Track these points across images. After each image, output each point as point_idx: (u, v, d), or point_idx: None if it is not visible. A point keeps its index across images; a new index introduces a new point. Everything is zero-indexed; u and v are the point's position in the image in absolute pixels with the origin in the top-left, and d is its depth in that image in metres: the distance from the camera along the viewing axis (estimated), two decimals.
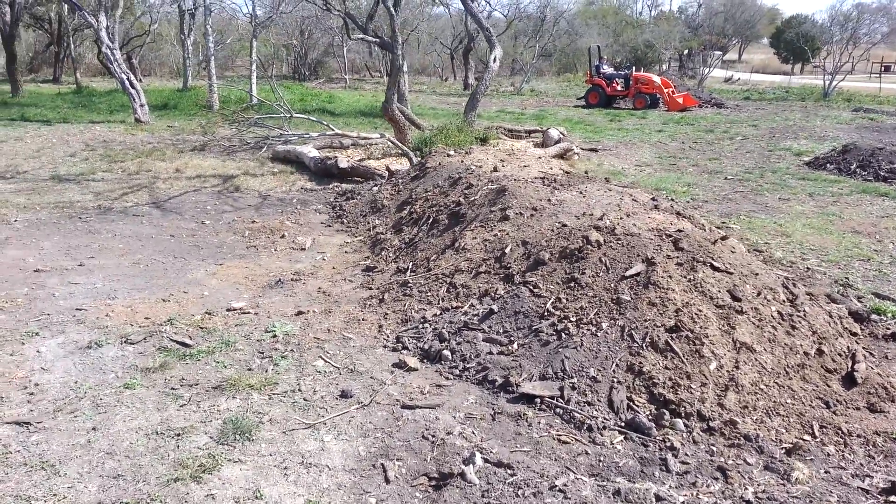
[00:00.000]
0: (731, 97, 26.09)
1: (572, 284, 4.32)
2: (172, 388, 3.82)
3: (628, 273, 4.22)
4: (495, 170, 7.00)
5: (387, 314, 4.85)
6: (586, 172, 7.18)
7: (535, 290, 4.39)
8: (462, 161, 7.60)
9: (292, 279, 5.89)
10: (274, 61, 34.14)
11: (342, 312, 5.02)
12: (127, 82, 15.29)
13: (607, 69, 24.20)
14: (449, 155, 8.01)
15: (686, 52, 45.87)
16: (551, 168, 7.35)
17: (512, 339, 4.13)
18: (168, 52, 33.48)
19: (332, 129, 12.67)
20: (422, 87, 30.45)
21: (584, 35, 40.02)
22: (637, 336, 3.82)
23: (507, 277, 4.69)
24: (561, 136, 12.33)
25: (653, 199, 5.83)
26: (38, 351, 4.24)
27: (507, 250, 4.93)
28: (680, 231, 4.59)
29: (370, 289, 5.53)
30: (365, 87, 31.77)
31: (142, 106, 15.27)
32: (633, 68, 24.58)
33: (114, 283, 5.66)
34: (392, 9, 11.88)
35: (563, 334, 3.99)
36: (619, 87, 23.00)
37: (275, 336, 4.58)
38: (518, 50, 35.76)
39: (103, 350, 4.29)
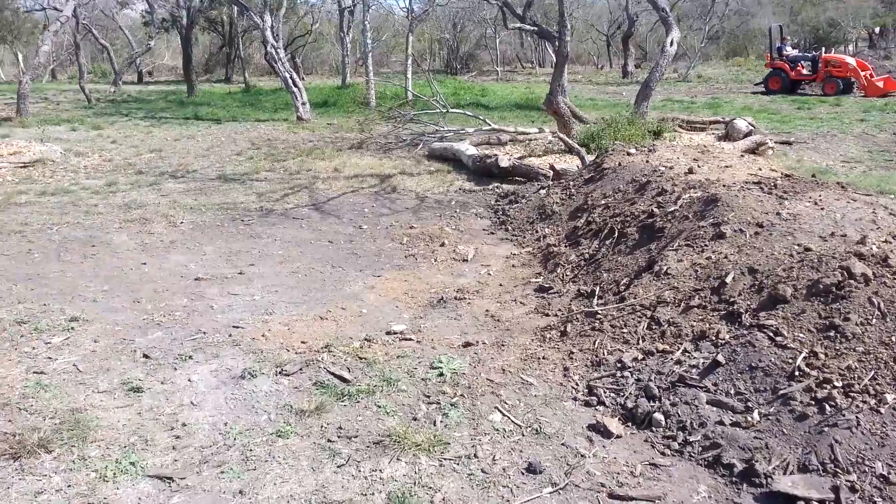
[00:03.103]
0: None
1: (832, 334, 3.25)
2: (329, 441, 3.25)
3: None
4: (690, 171, 5.92)
5: (572, 353, 4.02)
6: (814, 175, 5.89)
7: (777, 339, 3.37)
8: (647, 161, 6.56)
9: (455, 297, 5.23)
10: (428, 56, 34.33)
11: (517, 346, 4.26)
12: (290, 81, 15.59)
13: (791, 51, 21.59)
14: (629, 153, 6.99)
15: (877, 29, 40.46)
16: (760, 169, 6.12)
17: (749, 404, 3.15)
18: (328, 50, 34.70)
19: (489, 124, 11.99)
20: (576, 77, 29.08)
21: (757, 15, 36.58)
22: None
23: (732, 316, 3.69)
24: (750, 127, 10.79)
25: None
26: (189, 380, 3.87)
27: (727, 279, 3.91)
28: None
29: (547, 315, 4.73)
30: (517, 78, 30.98)
31: (303, 104, 15.50)
32: (823, 49, 21.69)
33: (271, 296, 5.31)
34: None
35: (827, 406, 2.95)
36: (804, 71, 20.44)
37: (441, 374, 3.92)
38: (683, 33, 33.24)
39: (257, 382, 3.84)
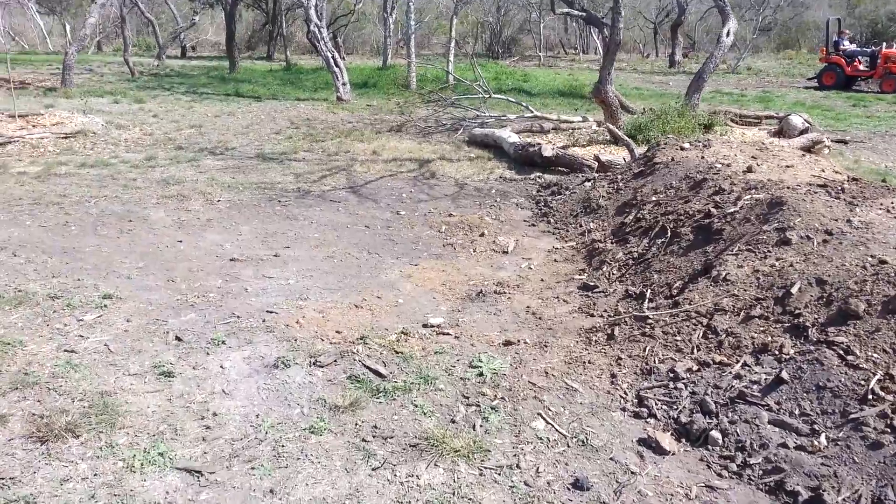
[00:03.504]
0: None
1: None
2: (364, 441, 3.10)
3: None
4: (749, 170, 5.61)
5: (620, 359, 3.81)
6: (884, 180, 5.53)
7: (848, 358, 3.11)
8: (701, 156, 6.25)
9: (495, 291, 5.05)
10: (471, 39, 33.93)
11: (561, 348, 4.06)
12: (331, 60, 15.46)
13: (848, 45, 20.75)
14: (682, 148, 6.68)
15: None
16: (823, 170, 5.77)
17: (815, 427, 2.91)
18: (370, 31, 34.46)
19: (532, 111, 11.73)
20: (621, 65, 28.40)
21: (812, 7, 35.38)
22: None
23: (797, 330, 3.43)
24: (806, 124, 10.32)
25: None
26: (221, 366, 3.76)
27: (793, 290, 3.65)
28: None
29: (592, 315, 4.51)
30: (559, 64, 30.44)
31: (344, 84, 15.37)
32: (884, 44, 20.77)
33: (306, 281, 5.18)
34: None
35: None
36: (861, 67, 19.65)
37: (481, 374, 3.74)
38: None
39: (290, 372, 3.71)
